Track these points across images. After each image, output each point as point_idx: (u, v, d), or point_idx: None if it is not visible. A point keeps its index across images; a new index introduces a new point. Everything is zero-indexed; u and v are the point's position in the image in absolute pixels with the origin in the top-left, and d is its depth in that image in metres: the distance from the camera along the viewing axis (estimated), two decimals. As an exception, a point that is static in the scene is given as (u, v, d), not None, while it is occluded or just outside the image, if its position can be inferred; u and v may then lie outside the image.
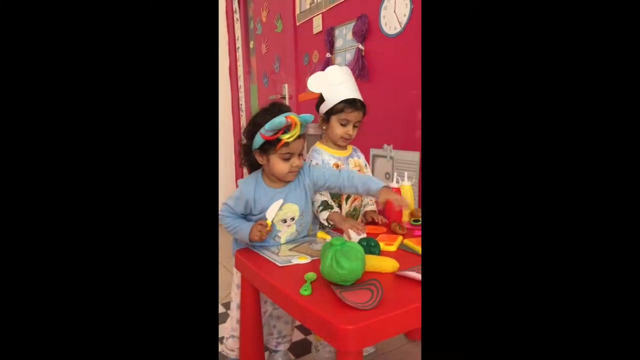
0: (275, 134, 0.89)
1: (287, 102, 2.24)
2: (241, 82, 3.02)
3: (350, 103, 1.11)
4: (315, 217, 1.11)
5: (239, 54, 2.98)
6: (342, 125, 1.12)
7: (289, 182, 0.99)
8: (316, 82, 1.13)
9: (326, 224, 1.09)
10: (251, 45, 2.83)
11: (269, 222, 0.93)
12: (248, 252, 0.95)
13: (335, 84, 1.12)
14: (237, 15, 2.95)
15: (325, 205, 1.08)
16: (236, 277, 1.09)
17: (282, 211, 0.97)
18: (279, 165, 0.94)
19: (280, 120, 0.88)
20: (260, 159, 0.96)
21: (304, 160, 1.06)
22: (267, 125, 0.88)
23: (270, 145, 0.91)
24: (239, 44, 2.97)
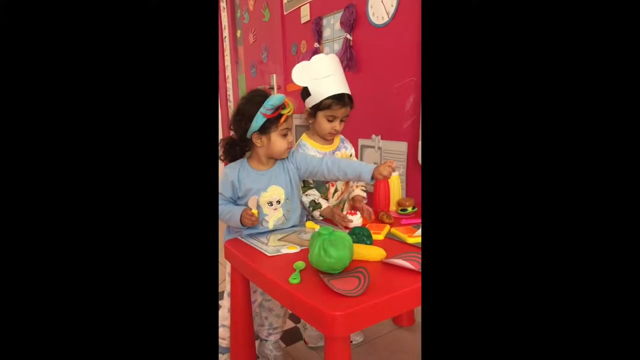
0: (276, 110, 0.94)
1: (275, 92, 2.23)
2: (228, 72, 2.99)
3: (338, 99, 1.08)
4: (304, 209, 1.13)
5: (226, 43, 2.94)
6: (329, 121, 1.11)
7: (276, 163, 1.03)
8: (301, 74, 1.11)
9: (321, 218, 1.12)
10: (238, 35, 2.79)
11: (254, 211, 0.96)
12: (237, 243, 0.96)
13: (320, 77, 1.09)
14: (223, 4, 2.90)
15: (314, 205, 1.11)
16: (229, 265, 1.10)
17: (268, 193, 1.00)
18: (279, 142, 0.98)
19: (280, 97, 0.93)
20: (258, 142, 0.98)
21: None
22: (268, 104, 0.93)
23: (271, 123, 0.95)
24: (225, 33, 2.93)
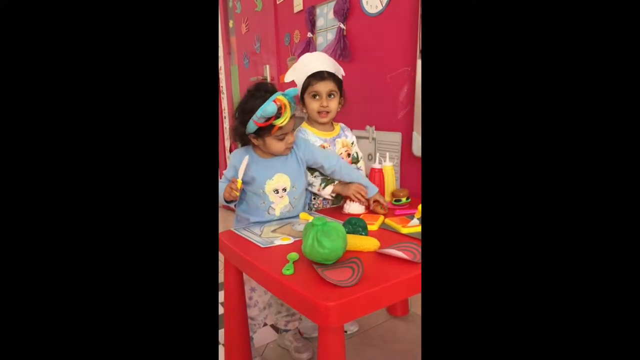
0: (268, 120, 0.92)
1: (268, 83, 2.20)
2: (221, 63, 2.94)
3: (316, 75, 1.12)
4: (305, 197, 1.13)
5: (218, 33, 2.89)
6: (314, 98, 1.13)
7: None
8: (291, 73, 1.18)
9: (331, 197, 1.14)
10: (230, 25, 2.75)
11: (239, 180, 0.96)
12: (230, 235, 0.95)
13: (301, 66, 1.15)
14: (215, -7, 2.84)
15: (327, 181, 1.12)
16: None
17: (273, 181, 1.01)
18: (275, 145, 0.98)
19: (271, 108, 0.90)
20: (255, 141, 1.00)
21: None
22: (259, 113, 0.91)
23: (264, 130, 0.95)
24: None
